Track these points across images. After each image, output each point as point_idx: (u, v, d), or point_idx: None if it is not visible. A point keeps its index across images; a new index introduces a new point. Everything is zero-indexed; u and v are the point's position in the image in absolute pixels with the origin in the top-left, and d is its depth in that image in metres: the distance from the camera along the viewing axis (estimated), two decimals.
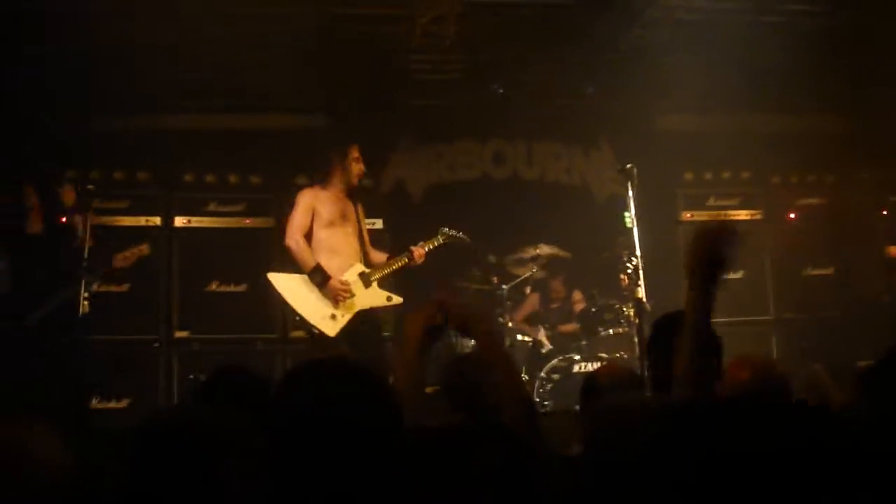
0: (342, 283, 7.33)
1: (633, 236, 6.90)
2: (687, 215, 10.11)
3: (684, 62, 9.40)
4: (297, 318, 7.38)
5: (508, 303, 8.95)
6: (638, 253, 6.87)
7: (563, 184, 10.59)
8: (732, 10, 8.81)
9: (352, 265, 7.52)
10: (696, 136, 10.28)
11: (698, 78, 9.40)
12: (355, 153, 7.73)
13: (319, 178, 7.84)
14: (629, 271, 7.75)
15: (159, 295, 8.83)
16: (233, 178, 9.44)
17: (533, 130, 10.43)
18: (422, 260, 7.70)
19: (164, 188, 9.25)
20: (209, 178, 9.36)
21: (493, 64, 9.73)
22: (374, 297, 7.50)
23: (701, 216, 10.08)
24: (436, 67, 9.81)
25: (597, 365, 8.10)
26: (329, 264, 7.38)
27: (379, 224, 9.53)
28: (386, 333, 8.34)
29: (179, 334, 8.95)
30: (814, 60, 8.97)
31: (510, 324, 8.92)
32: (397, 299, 7.60)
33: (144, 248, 7.74)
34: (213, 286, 9.11)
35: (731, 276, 9.95)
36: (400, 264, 7.69)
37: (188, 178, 9.33)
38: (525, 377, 8.62)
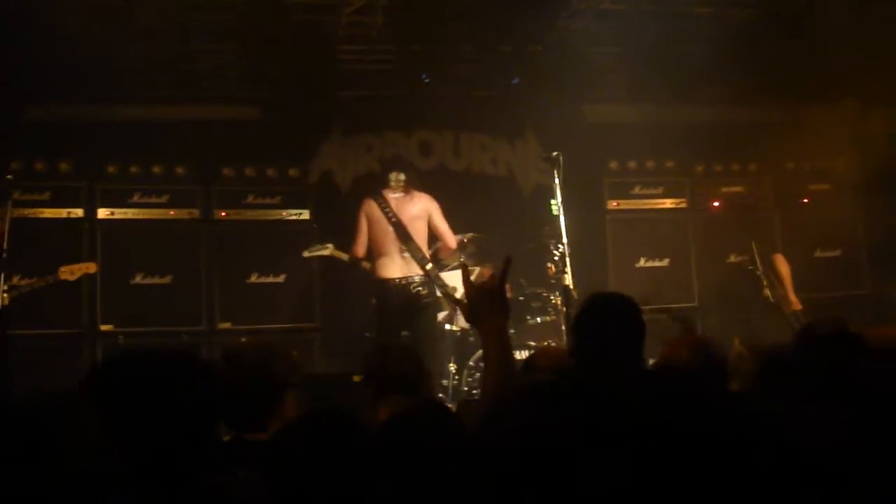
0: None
1: (559, 224, 6.95)
2: (613, 204, 10.22)
3: (609, 53, 9.50)
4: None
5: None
6: (565, 241, 6.92)
7: (489, 174, 10.64)
8: (657, 1, 8.90)
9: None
10: (621, 126, 10.40)
11: (623, 68, 9.52)
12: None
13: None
14: (556, 260, 7.83)
15: (83, 287, 8.66)
16: (157, 169, 9.30)
17: (459, 121, 10.46)
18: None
19: (86, 179, 9.09)
20: (133, 168, 9.20)
21: (420, 55, 9.72)
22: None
23: (626, 205, 10.20)
24: (363, 58, 9.79)
25: (525, 353, 8.14)
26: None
27: (305, 215, 9.52)
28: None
29: (104, 327, 8.80)
30: (738, 51, 9.10)
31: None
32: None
33: (92, 267, 8.01)
34: (138, 278, 8.99)
35: (657, 263, 10.08)
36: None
37: (111, 168, 9.16)
38: (452, 366, 8.65)
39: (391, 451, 2.28)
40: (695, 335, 3.83)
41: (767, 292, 9.22)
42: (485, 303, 3.11)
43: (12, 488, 2.34)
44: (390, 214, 8.26)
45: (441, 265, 8.79)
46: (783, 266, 9.59)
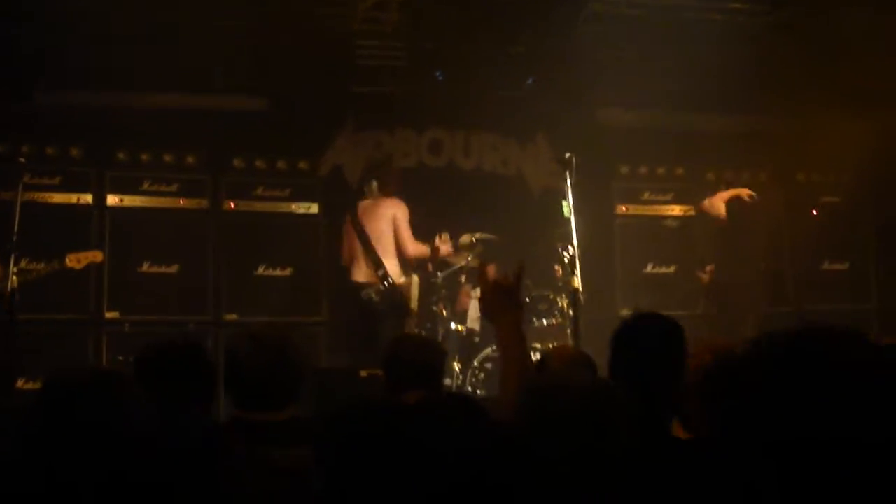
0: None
1: (569, 226, 6.94)
2: (622, 208, 10.20)
3: (624, 57, 9.48)
4: None
5: (443, 291, 8.96)
6: (574, 244, 6.91)
7: (499, 174, 10.61)
8: (675, 6, 8.89)
9: None
10: (632, 130, 10.37)
11: (637, 73, 9.49)
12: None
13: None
14: (564, 262, 7.81)
15: (89, 274, 8.65)
16: (168, 158, 9.30)
17: (471, 120, 10.43)
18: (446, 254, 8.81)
19: (97, 165, 9.09)
20: (144, 156, 9.20)
21: (434, 52, 9.71)
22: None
23: (636, 210, 10.19)
24: (377, 54, 9.76)
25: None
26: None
27: (315, 209, 9.52)
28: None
29: (109, 315, 8.81)
30: (753, 60, 9.10)
31: (443, 312, 8.94)
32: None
33: (98, 256, 8.07)
34: (145, 266, 8.98)
35: (664, 270, 10.07)
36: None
37: (122, 156, 9.15)
38: (457, 366, 8.64)
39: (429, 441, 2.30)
40: (719, 340, 3.80)
41: None
42: (501, 300, 3.13)
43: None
44: (355, 222, 8.66)
45: (444, 266, 8.83)
46: None
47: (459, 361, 8.67)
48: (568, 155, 6.95)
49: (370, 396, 3.80)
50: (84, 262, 7.87)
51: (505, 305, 3.20)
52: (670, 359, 3.23)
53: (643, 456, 2.90)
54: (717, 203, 9.56)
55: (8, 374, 7.38)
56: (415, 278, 8.58)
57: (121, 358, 8.50)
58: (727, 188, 9.97)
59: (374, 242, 8.53)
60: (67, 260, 7.77)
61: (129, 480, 2.39)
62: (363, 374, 6.75)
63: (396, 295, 8.44)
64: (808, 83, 9.62)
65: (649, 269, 10.08)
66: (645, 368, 3.18)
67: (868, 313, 10.12)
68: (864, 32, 9.03)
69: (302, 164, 9.68)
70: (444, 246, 8.64)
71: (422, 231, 8.80)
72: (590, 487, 2.29)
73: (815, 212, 10.47)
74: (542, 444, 2.32)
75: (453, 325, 8.93)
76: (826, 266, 10.54)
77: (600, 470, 2.31)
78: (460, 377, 8.62)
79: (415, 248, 8.68)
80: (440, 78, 9.82)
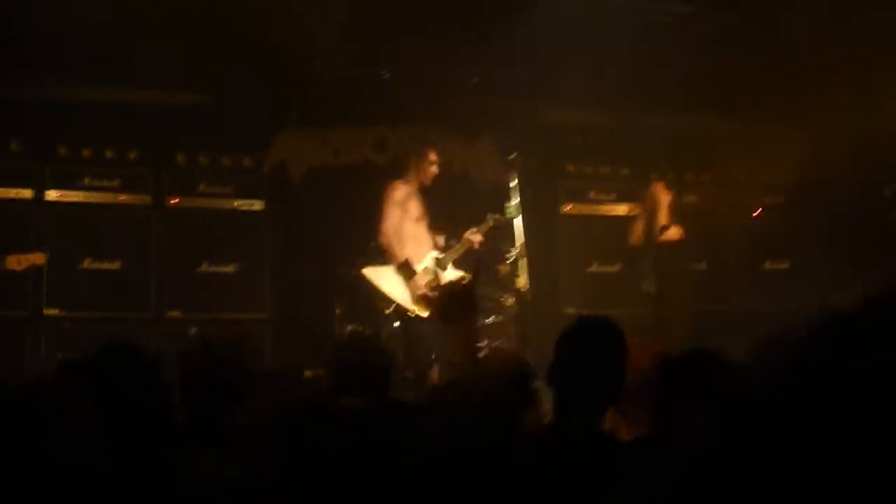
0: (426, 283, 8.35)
1: (515, 226, 6.96)
2: (567, 207, 10.24)
3: (569, 56, 9.51)
4: (392, 305, 8.35)
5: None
6: (520, 243, 6.94)
7: (444, 172, 10.58)
8: (620, 7, 8.95)
9: (428, 252, 8.56)
10: (578, 130, 10.42)
11: (582, 73, 9.53)
12: (433, 156, 8.77)
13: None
14: (509, 261, 7.84)
15: (29, 270, 8.52)
16: (109, 153, 9.17)
17: (416, 118, 10.40)
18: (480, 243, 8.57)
19: (37, 160, 8.95)
20: (85, 151, 9.07)
21: (379, 49, 9.68)
22: (452, 277, 8.28)
23: (581, 209, 10.23)
24: (324, 50, 9.70)
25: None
26: (414, 253, 8.46)
27: (259, 206, 9.45)
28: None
29: (49, 312, 8.68)
30: (698, 61, 9.17)
31: (388, 310, 8.88)
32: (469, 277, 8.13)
33: (41, 258, 7.88)
34: (86, 263, 8.86)
35: (608, 269, 10.12)
36: (465, 248, 8.57)
37: (63, 150, 9.03)
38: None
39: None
40: (654, 345, 3.83)
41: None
42: (457, 304, 3.13)
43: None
44: None
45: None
46: None
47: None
48: (514, 155, 6.97)
49: (308, 400, 3.76)
50: (25, 265, 7.71)
51: (461, 309, 3.19)
52: (611, 363, 3.25)
53: (580, 457, 2.92)
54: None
55: None
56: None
57: (60, 355, 8.37)
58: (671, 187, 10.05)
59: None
60: (7, 262, 7.60)
61: None
62: (308, 374, 6.72)
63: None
64: (751, 85, 9.72)
65: (594, 267, 10.12)
66: (586, 373, 3.21)
67: (808, 313, 10.21)
68: (806, 37, 9.17)
69: (246, 161, 9.60)
70: (476, 237, 8.62)
71: (366, 229, 8.77)
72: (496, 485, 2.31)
73: (756, 212, 10.60)
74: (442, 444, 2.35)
75: (396, 324, 8.85)
76: (767, 266, 10.68)
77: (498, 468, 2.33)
78: None
79: None
80: (385, 76, 9.78)
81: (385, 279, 8.39)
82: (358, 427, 2.36)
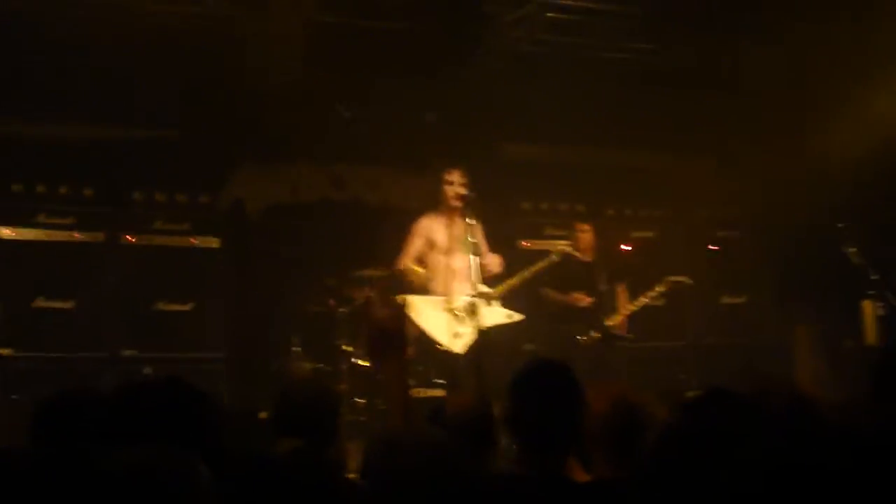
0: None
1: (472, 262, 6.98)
2: (524, 243, 10.26)
3: (525, 93, 9.58)
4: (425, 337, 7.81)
5: (346, 327, 8.88)
6: (477, 279, 6.95)
7: (403, 209, 10.57)
8: (575, 45, 9.02)
9: (469, 286, 7.74)
10: (534, 165, 10.47)
11: (539, 109, 9.60)
12: (450, 177, 8.07)
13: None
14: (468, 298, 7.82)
15: None
16: (63, 190, 9.09)
17: (375, 155, 10.40)
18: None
19: None
20: (39, 188, 8.98)
21: (338, 88, 9.69)
22: (494, 315, 7.94)
23: (537, 245, 10.24)
24: (281, 87, 9.70)
25: (434, 391, 8.07)
26: (448, 288, 7.99)
27: (215, 243, 9.39)
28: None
29: (2, 352, 8.56)
30: (653, 98, 9.26)
31: (346, 347, 8.83)
32: (518, 317, 8.11)
33: None
34: (40, 301, 8.75)
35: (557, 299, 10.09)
36: (518, 281, 8.37)
37: (16, 187, 8.93)
38: (362, 401, 8.55)
39: None
40: (616, 387, 3.81)
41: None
42: (385, 342, 3.13)
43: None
44: None
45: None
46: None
47: (365, 397, 8.57)
48: (472, 193, 6.99)
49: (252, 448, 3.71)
50: None
51: (389, 347, 3.19)
52: (566, 406, 3.24)
53: (539, 499, 2.91)
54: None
55: None
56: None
57: (14, 396, 8.26)
58: (626, 223, 10.11)
59: None
60: None
61: None
62: (262, 415, 6.64)
63: None
64: (708, 123, 9.84)
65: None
66: (546, 420, 3.19)
67: (763, 348, 10.25)
68: (759, 71, 9.29)
69: (202, 198, 9.54)
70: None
71: (326, 264, 8.74)
72: None
73: (713, 247, 10.68)
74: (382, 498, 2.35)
75: (359, 361, 8.81)
76: (725, 300, 10.75)
77: None
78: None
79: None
80: (346, 114, 9.78)
81: (422, 309, 7.94)
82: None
